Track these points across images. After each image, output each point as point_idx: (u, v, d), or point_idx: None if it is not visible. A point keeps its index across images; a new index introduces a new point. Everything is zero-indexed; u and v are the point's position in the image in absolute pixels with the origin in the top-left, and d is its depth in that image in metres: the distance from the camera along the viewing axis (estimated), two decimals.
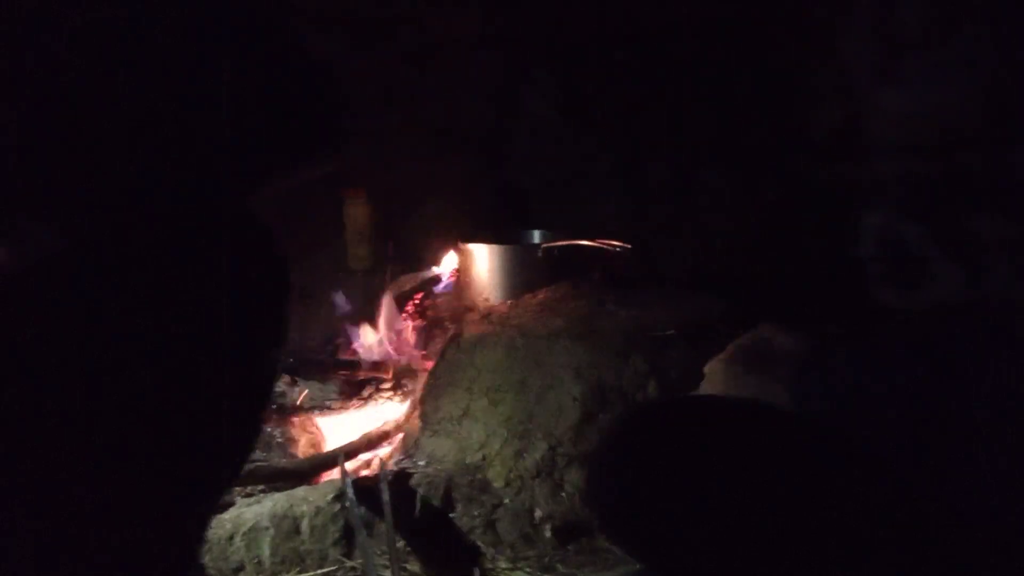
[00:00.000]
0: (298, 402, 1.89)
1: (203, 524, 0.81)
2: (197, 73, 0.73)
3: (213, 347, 0.72)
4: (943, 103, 2.03)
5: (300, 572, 1.42)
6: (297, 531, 1.47)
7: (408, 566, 1.46)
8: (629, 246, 2.12)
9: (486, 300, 2.15)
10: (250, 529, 1.45)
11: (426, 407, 1.89)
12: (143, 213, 0.70)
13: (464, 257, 2.23)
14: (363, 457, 1.84)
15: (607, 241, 2.16)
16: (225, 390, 0.73)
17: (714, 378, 1.67)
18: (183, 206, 0.72)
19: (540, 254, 2.12)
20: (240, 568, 1.42)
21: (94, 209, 0.69)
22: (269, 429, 1.87)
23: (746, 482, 0.90)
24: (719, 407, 1.02)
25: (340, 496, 1.53)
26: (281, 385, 1.88)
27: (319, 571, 1.43)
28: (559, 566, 1.55)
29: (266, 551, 1.44)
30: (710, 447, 0.93)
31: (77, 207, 0.68)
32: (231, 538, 1.43)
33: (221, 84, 0.74)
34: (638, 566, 1.48)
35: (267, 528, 1.46)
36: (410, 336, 2.18)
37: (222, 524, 1.46)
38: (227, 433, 0.74)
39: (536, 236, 2.37)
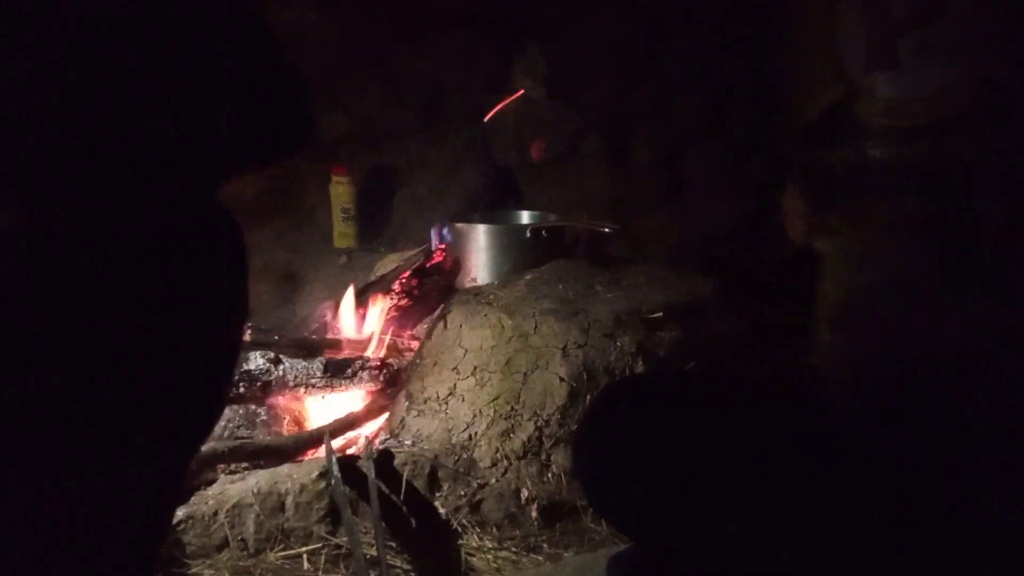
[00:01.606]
0: (281, 380, 1.86)
1: (167, 502, 0.81)
2: (164, 59, 0.71)
3: (172, 324, 0.71)
4: (934, 86, 2.04)
5: (284, 549, 1.41)
6: (281, 508, 1.46)
7: (393, 544, 1.46)
8: (618, 227, 2.11)
9: (473, 280, 2.13)
10: (234, 506, 1.44)
11: (412, 386, 1.87)
12: (103, 194, 0.68)
13: (453, 237, 2.22)
14: (348, 436, 1.83)
15: (595, 222, 2.15)
16: (185, 367, 0.72)
17: None
18: (145, 189, 0.71)
19: (528, 235, 2.10)
20: (224, 545, 1.41)
21: (56, 190, 0.67)
22: (252, 407, 1.86)
23: (733, 457, 0.89)
24: (706, 381, 1.01)
25: (325, 474, 1.52)
26: (265, 363, 1.86)
27: (304, 548, 1.42)
28: (545, 546, 1.55)
29: (250, 528, 1.43)
30: (697, 421, 0.92)
31: (38, 188, 0.67)
32: (215, 515, 1.42)
33: (190, 72, 0.73)
34: (624, 546, 1.48)
35: (251, 505, 1.45)
36: (396, 316, 2.16)
37: (205, 500, 1.45)
38: (189, 408, 0.74)
39: (524, 217, 2.36)
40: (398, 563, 1.43)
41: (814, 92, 2.27)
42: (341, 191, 2.72)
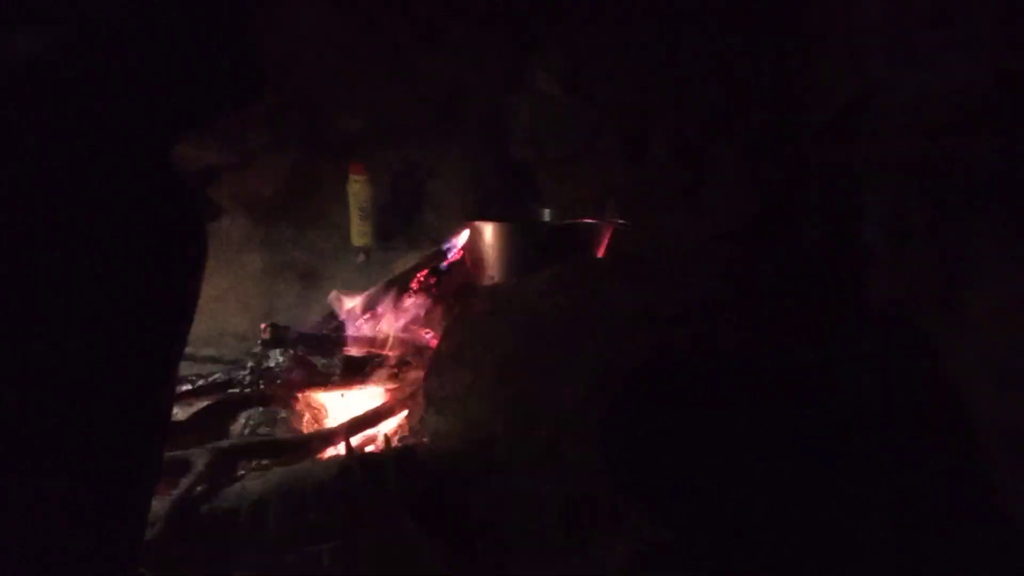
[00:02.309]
0: (300, 377, 1.87)
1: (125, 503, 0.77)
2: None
3: (112, 308, 0.66)
4: (954, 84, 2.02)
5: (306, 546, 1.42)
6: (303, 505, 1.47)
7: (414, 542, 1.46)
8: (628, 224, 2.10)
9: (492, 278, 2.14)
10: (255, 502, 1.44)
11: (431, 384, 1.87)
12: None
13: (470, 234, 2.22)
14: (367, 433, 1.83)
15: (613, 219, 2.15)
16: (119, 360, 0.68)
17: None
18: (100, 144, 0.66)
19: (546, 232, 2.10)
20: (246, 541, 1.41)
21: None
22: (272, 404, 1.87)
23: (739, 452, 0.89)
24: (729, 364, 1.00)
25: (345, 471, 1.52)
26: (284, 360, 1.87)
27: (325, 546, 1.42)
28: (565, 543, 1.55)
29: (271, 524, 1.43)
30: (726, 406, 0.92)
31: None
32: (236, 511, 1.43)
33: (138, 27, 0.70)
34: (643, 544, 1.48)
35: (272, 502, 1.45)
36: (414, 314, 2.16)
37: (227, 497, 1.45)
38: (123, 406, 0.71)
39: (542, 214, 2.36)
40: (419, 560, 1.43)
41: (833, 88, 2.26)
42: (358, 189, 2.73)
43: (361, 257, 2.67)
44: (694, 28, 2.66)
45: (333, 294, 2.20)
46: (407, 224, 2.75)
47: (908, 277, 1.80)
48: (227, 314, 2.78)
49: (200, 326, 2.60)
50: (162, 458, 0.84)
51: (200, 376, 1.79)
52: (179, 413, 1.80)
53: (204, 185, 2.93)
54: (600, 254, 2.18)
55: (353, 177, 2.72)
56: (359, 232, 2.74)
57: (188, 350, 1.96)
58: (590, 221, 2.18)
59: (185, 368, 1.90)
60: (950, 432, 0.89)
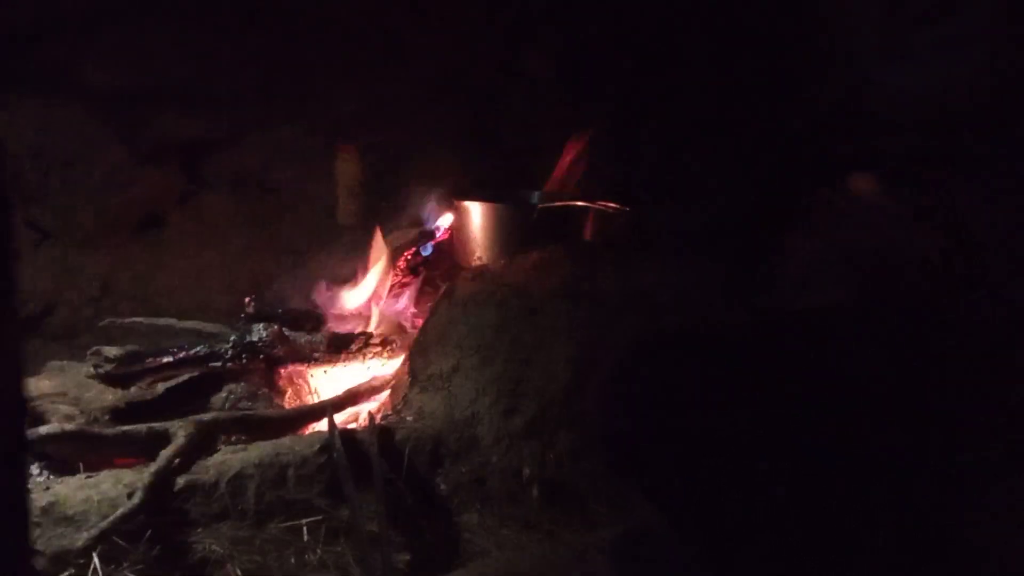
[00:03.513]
0: (284, 353, 1.85)
1: None
2: None
3: None
4: (950, 80, 2.02)
5: (285, 521, 1.40)
6: (283, 479, 1.45)
7: (395, 519, 1.45)
8: (627, 208, 2.09)
9: (479, 258, 2.12)
10: (235, 476, 1.43)
11: (415, 363, 1.86)
12: None
13: (458, 215, 2.20)
14: (350, 410, 1.82)
15: (604, 203, 2.13)
16: None
17: None
18: None
19: (535, 214, 2.09)
20: (224, 515, 1.40)
21: None
22: (255, 379, 1.85)
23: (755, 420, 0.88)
24: (719, 348, 0.99)
25: (327, 447, 1.51)
26: (268, 335, 1.85)
27: (304, 520, 1.41)
28: (545, 524, 1.54)
29: (251, 498, 1.42)
30: (723, 381, 0.91)
31: None
32: (215, 484, 1.41)
33: None
34: (622, 526, 1.48)
35: (252, 476, 1.44)
36: (399, 293, 2.15)
37: (206, 470, 1.44)
38: None
39: (531, 196, 2.34)
40: (399, 537, 1.42)
41: (826, 83, 2.25)
42: (346, 168, 2.70)
43: (348, 236, 2.64)
44: (688, 21, 2.65)
45: (321, 285, 2.17)
46: (394, 204, 2.73)
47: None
48: (211, 289, 2.75)
49: (183, 300, 2.58)
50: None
51: (181, 349, 1.77)
52: (159, 386, 1.78)
53: (190, 159, 2.90)
54: (589, 238, 2.17)
55: (342, 156, 2.69)
56: (346, 211, 2.71)
57: (169, 322, 1.94)
58: (580, 204, 2.16)
59: (167, 340, 1.88)
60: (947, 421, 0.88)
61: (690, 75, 2.65)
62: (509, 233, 2.11)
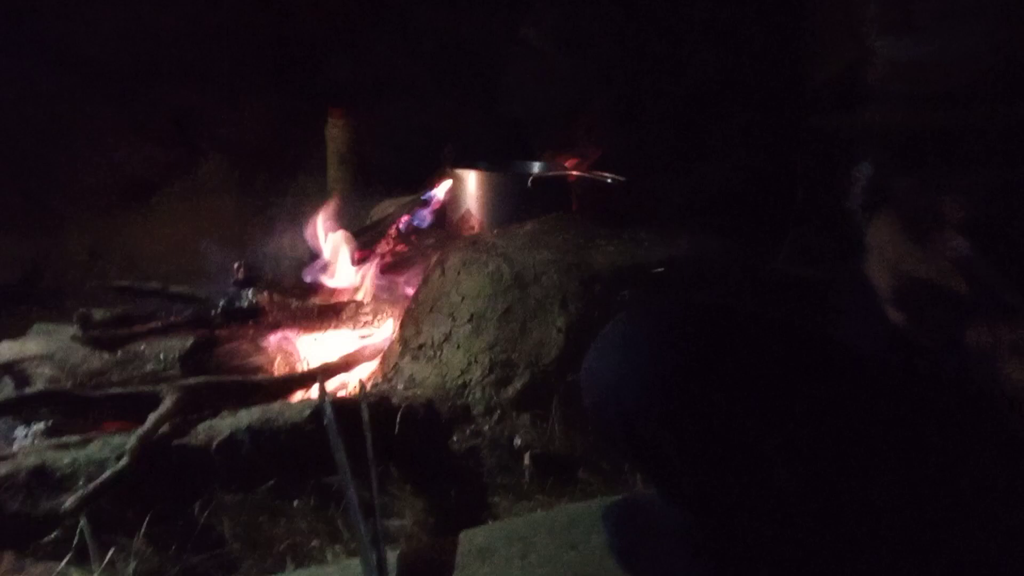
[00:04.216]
0: (273, 319, 1.84)
1: None
2: None
3: None
4: (950, 53, 2.00)
5: (275, 485, 1.39)
6: (273, 445, 1.44)
7: (386, 486, 1.44)
8: (622, 178, 2.07)
9: (472, 228, 2.10)
10: (225, 440, 1.41)
11: (407, 331, 1.85)
12: None
13: (452, 183, 2.18)
14: (340, 378, 1.80)
15: (600, 173, 2.11)
16: None
17: None
18: None
19: (530, 184, 2.06)
20: (213, 479, 1.38)
21: None
22: (243, 345, 1.83)
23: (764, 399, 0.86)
24: (716, 322, 0.97)
25: (317, 413, 1.50)
26: (257, 301, 1.83)
27: (295, 486, 1.40)
28: (537, 495, 1.54)
29: (241, 463, 1.40)
30: (725, 355, 0.88)
31: None
32: (205, 448, 1.39)
33: None
34: (615, 497, 1.47)
35: (242, 441, 1.42)
36: (391, 261, 2.13)
37: (196, 434, 1.42)
38: None
39: (527, 166, 2.32)
40: (390, 504, 1.42)
41: (828, 54, 2.23)
42: (337, 134, 2.67)
43: (338, 202, 2.62)
44: None
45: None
46: (387, 171, 2.70)
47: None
48: (199, 255, 2.73)
49: (173, 264, 2.56)
50: None
51: (170, 313, 1.75)
52: (146, 348, 1.76)
53: (181, 126, 2.87)
54: (586, 208, 2.15)
55: (332, 121, 2.66)
56: (335, 178, 2.69)
57: (158, 285, 1.92)
58: (576, 174, 2.14)
59: (155, 304, 1.86)
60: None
61: (693, 45, 2.63)
62: (504, 203, 2.09)
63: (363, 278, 2.05)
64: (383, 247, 2.13)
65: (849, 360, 0.89)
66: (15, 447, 1.54)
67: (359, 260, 2.09)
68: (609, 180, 2.06)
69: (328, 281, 2.07)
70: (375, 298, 2.01)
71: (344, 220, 2.22)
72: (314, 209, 2.60)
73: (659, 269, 1.80)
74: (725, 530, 0.95)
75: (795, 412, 0.85)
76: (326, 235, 2.09)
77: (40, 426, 1.67)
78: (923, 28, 1.98)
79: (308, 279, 2.08)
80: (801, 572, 0.90)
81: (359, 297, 2.02)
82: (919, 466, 0.82)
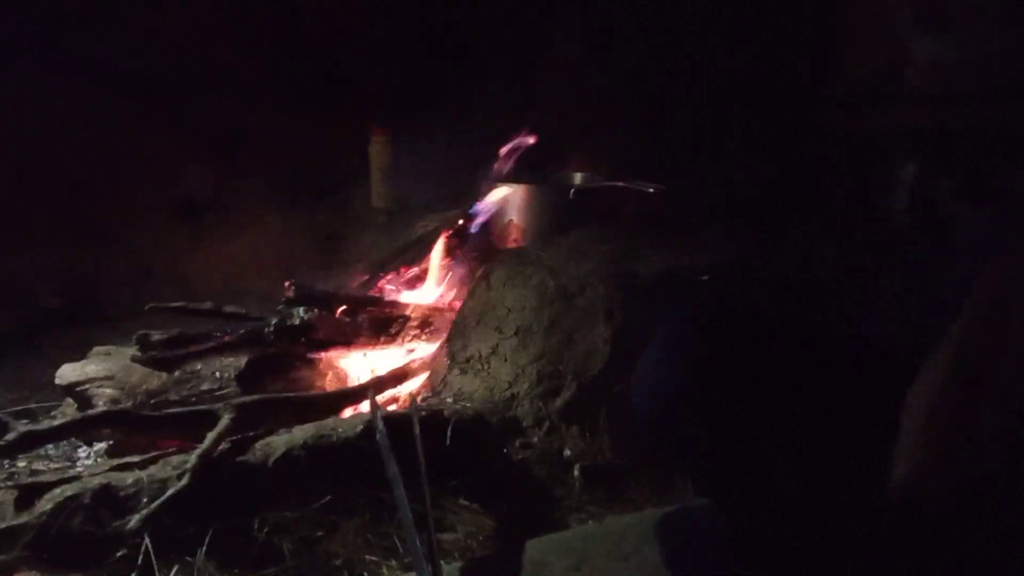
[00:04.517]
0: (324, 335, 1.87)
1: None
2: None
3: None
4: (984, 53, 1.97)
5: (330, 501, 1.42)
6: (327, 461, 1.46)
7: (439, 500, 1.46)
8: (662, 187, 2.07)
9: (515, 240, 2.12)
10: (281, 457, 1.44)
11: (454, 345, 1.87)
12: None
13: (495, 197, 2.20)
14: (390, 392, 1.83)
15: (639, 183, 2.12)
16: None
17: None
18: None
19: (572, 195, 2.08)
20: (270, 496, 1.41)
21: None
22: (295, 363, 1.86)
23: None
24: (759, 328, 0.97)
25: (369, 428, 1.52)
26: (308, 319, 1.86)
27: (350, 501, 1.42)
28: (588, 507, 1.55)
29: (296, 480, 1.43)
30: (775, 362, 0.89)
31: None
32: (262, 465, 1.42)
33: None
34: (666, 509, 1.47)
35: (297, 457, 1.45)
36: (437, 275, 2.15)
37: (252, 451, 1.45)
38: None
39: (568, 178, 2.33)
40: (444, 518, 1.43)
41: (860, 54, 2.22)
42: (379, 151, 2.71)
43: (383, 219, 2.65)
44: None
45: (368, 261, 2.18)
46: (429, 187, 2.73)
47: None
48: (246, 274, 2.78)
49: (219, 284, 2.60)
50: None
51: (225, 332, 1.79)
52: (203, 367, 1.80)
53: (225, 146, 2.92)
54: (626, 218, 2.16)
55: (375, 139, 2.70)
56: (379, 194, 2.73)
57: (212, 305, 1.96)
58: (616, 185, 2.15)
59: (209, 324, 1.90)
60: None
61: (722, 47, 2.62)
62: (546, 215, 2.11)
63: (413, 293, 2.08)
64: (429, 261, 2.16)
65: (881, 362, 0.90)
66: (79, 467, 1.59)
67: (406, 275, 2.12)
68: (651, 190, 2.07)
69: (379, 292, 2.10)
70: (423, 312, 2.03)
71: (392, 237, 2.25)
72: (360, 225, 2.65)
73: (704, 277, 1.80)
74: (766, 535, 0.95)
75: (829, 412, 0.85)
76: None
77: (102, 446, 1.74)
78: (958, 28, 1.96)
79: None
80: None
81: (408, 312, 2.04)
82: None
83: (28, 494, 1.33)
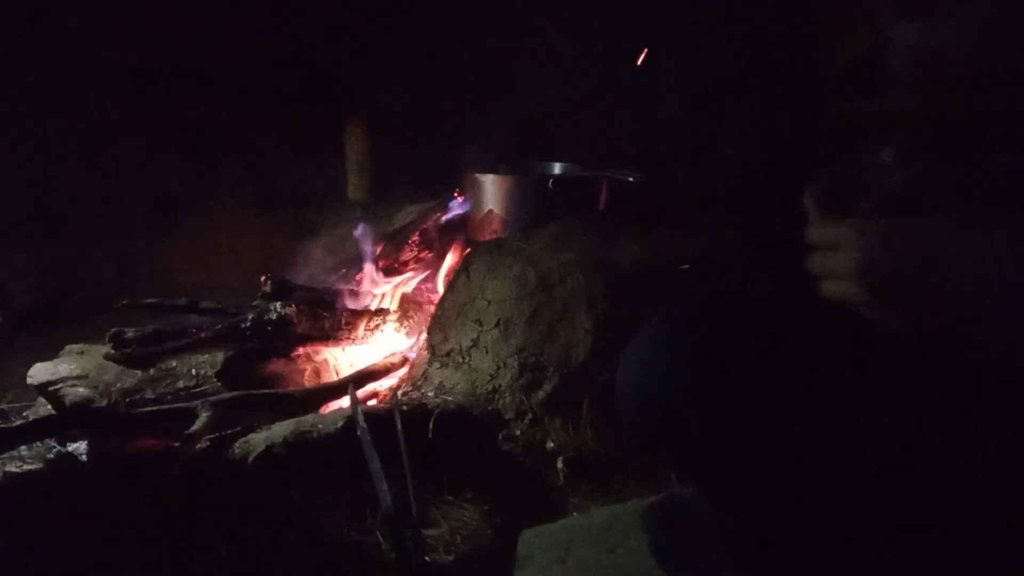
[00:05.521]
0: (302, 331, 1.84)
1: None
2: None
3: None
4: (969, 36, 1.97)
5: (313, 497, 1.40)
6: (308, 457, 1.45)
7: (422, 495, 1.44)
8: (642, 176, 2.06)
9: (495, 231, 2.10)
10: (261, 454, 1.42)
11: (434, 338, 1.85)
12: None
13: (473, 188, 2.18)
14: (370, 387, 1.81)
15: (619, 172, 2.10)
16: None
17: None
18: None
19: (551, 185, 2.06)
20: (251, 493, 1.39)
21: None
22: (273, 358, 1.84)
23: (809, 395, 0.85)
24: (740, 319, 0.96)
25: (350, 424, 1.50)
26: (285, 314, 1.84)
27: (332, 497, 1.40)
28: (572, 499, 1.54)
29: (277, 477, 1.41)
30: (768, 351, 0.88)
31: None
32: (242, 462, 1.41)
33: None
34: (651, 498, 1.47)
35: (278, 454, 1.43)
36: (416, 268, 2.13)
37: (232, 449, 1.43)
38: None
39: (547, 167, 2.32)
40: (427, 512, 1.42)
41: (845, 41, 2.21)
42: (355, 142, 2.67)
43: (358, 211, 2.62)
44: None
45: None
46: (407, 177, 2.71)
47: None
48: (222, 267, 2.75)
49: (195, 278, 2.57)
50: None
51: (201, 328, 1.76)
52: (178, 365, 1.77)
53: (200, 140, 2.88)
54: (605, 208, 2.15)
55: (350, 129, 2.66)
56: (355, 185, 2.69)
57: (187, 301, 1.93)
58: (596, 174, 2.13)
59: (184, 321, 1.87)
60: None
61: (707, 34, 2.61)
62: (525, 205, 2.09)
63: (389, 286, 2.06)
64: (407, 253, 2.13)
65: (878, 347, 0.88)
66: None
67: (384, 267, 2.10)
68: (631, 179, 2.06)
69: (362, 287, 2.08)
70: (402, 305, 2.01)
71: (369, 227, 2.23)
72: (336, 218, 2.62)
73: (685, 267, 1.80)
74: (758, 524, 0.94)
75: (822, 399, 0.84)
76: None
77: (77, 446, 1.70)
78: (942, 12, 1.96)
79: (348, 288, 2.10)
80: (836, 568, 0.89)
81: (386, 305, 2.02)
82: (962, 460, 0.81)
83: None
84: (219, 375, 1.69)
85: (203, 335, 1.70)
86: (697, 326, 0.90)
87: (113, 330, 1.67)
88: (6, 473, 1.49)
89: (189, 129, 2.84)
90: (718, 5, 2.50)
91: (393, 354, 1.91)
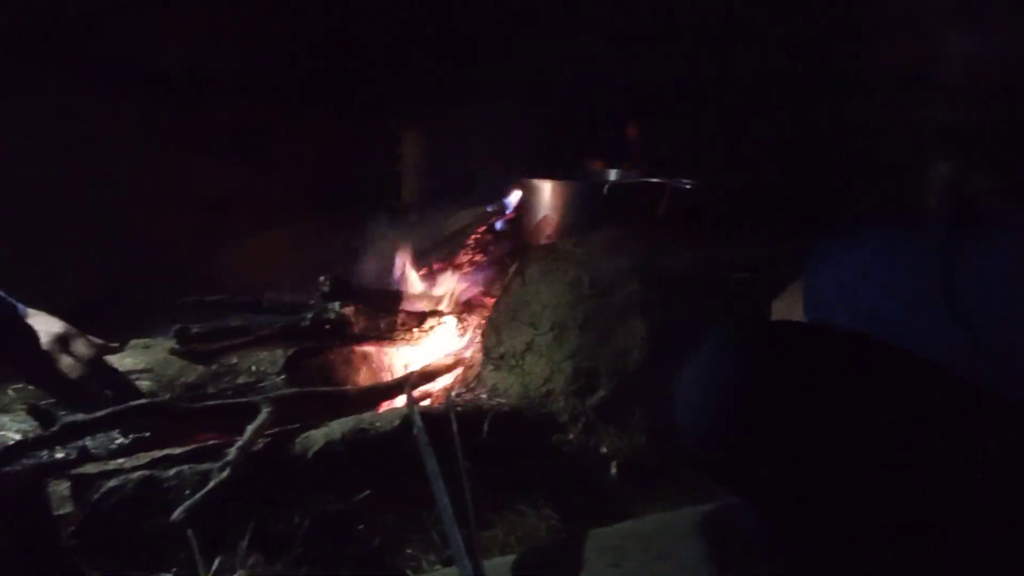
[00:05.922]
0: (360, 331, 1.87)
1: None
2: None
3: None
4: (1018, 47, 1.94)
5: (369, 495, 1.42)
6: (366, 455, 1.47)
7: (478, 494, 1.46)
8: (698, 183, 2.06)
9: (549, 236, 2.12)
10: (320, 451, 1.45)
11: (489, 341, 1.87)
12: None
13: (527, 193, 2.19)
14: (425, 388, 1.83)
15: (674, 179, 2.11)
16: None
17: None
18: None
19: (607, 191, 2.07)
20: (310, 489, 1.42)
21: None
22: (331, 358, 1.87)
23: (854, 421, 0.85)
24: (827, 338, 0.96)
25: (406, 423, 1.52)
26: (344, 313, 1.87)
27: (389, 496, 1.43)
28: (624, 503, 1.55)
29: (335, 473, 1.44)
30: (818, 379, 0.88)
31: None
32: (301, 458, 1.43)
33: None
34: (703, 506, 1.47)
35: (336, 451, 1.46)
36: (470, 271, 2.15)
37: (292, 445, 1.46)
38: None
39: (602, 174, 2.33)
40: (482, 513, 1.44)
41: (891, 50, 2.19)
42: (410, 148, 2.72)
43: (413, 215, 2.66)
44: None
45: (400, 256, 2.18)
46: (461, 182, 2.73)
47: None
48: (279, 271, 2.79)
49: (252, 279, 2.61)
50: None
51: (262, 326, 1.80)
52: (239, 361, 1.81)
53: (249, 143, 2.93)
54: (661, 215, 2.15)
55: (406, 134, 2.70)
56: (410, 190, 2.73)
57: (252, 298, 1.97)
58: (649, 180, 2.14)
59: (246, 319, 1.91)
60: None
61: (751, 42, 2.60)
62: (579, 211, 2.10)
63: (445, 288, 2.08)
64: (462, 257, 2.16)
65: (935, 379, 0.89)
66: (120, 460, 1.61)
67: (439, 271, 2.12)
68: (688, 186, 2.06)
69: (411, 289, 2.11)
70: (457, 308, 2.03)
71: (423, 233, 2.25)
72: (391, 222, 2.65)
73: (740, 275, 1.79)
74: (809, 538, 0.94)
75: (881, 427, 0.84)
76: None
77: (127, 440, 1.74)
78: (992, 22, 1.93)
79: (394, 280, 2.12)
80: None
81: (442, 307, 2.05)
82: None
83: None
84: (283, 369, 1.73)
85: (264, 333, 1.74)
86: (758, 354, 0.91)
87: (178, 326, 1.71)
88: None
89: (241, 132, 2.89)
90: (757, 12, 2.49)
91: (447, 355, 1.93)
